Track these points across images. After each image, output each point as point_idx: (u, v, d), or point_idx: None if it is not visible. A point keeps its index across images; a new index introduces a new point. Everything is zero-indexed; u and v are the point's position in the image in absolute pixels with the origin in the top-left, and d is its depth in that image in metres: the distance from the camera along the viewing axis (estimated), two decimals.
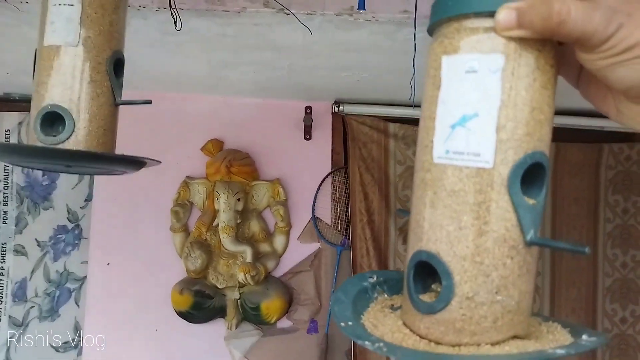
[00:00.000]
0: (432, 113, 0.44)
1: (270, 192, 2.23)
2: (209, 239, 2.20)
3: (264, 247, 2.22)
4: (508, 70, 0.41)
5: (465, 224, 0.42)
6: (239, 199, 2.14)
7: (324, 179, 2.26)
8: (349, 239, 2.24)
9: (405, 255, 0.49)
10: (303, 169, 2.29)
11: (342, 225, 2.28)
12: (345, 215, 2.28)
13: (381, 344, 0.42)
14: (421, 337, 0.45)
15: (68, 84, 0.78)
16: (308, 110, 2.27)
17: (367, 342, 0.42)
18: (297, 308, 2.23)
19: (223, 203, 2.10)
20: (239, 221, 2.16)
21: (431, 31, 0.47)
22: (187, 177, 2.27)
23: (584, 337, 0.43)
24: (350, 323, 0.46)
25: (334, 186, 2.28)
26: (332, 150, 2.31)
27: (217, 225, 2.15)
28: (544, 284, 2.24)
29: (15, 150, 0.81)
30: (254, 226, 2.22)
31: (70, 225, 2.49)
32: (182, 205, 2.24)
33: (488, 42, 0.41)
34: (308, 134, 2.27)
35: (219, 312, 2.18)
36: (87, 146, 0.79)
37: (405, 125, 2.26)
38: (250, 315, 2.15)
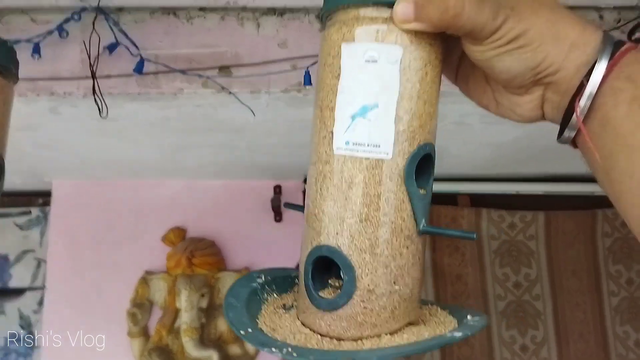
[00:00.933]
0: (330, 102, 0.43)
1: None
2: (170, 344, 1.94)
3: (234, 350, 1.96)
4: (405, 62, 0.41)
5: (365, 216, 0.43)
6: (202, 295, 1.91)
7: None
8: None
9: (305, 245, 0.45)
10: (275, 254, 2.09)
11: None
12: None
13: (289, 349, 0.41)
14: (322, 335, 0.44)
15: None
16: (277, 190, 2.11)
17: (274, 349, 0.41)
18: None
19: (185, 301, 1.87)
20: (203, 321, 1.91)
21: (325, 17, 0.46)
22: (146, 272, 2.06)
23: (468, 317, 0.44)
24: (249, 330, 0.44)
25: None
26: None
27: (179, 326, 1.90)
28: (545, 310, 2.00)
29: None
30: (222, 325, 1.97)
31: (21, 333, 2.22)
32: (140, 306, 1.99)
33: (387, 32, 0.41)
34: (278, 215, 2.10)
35: None
36: None
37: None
38: None
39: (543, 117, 0.44)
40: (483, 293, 2.04)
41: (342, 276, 0.43)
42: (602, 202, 2.07)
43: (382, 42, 0.41)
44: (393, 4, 0.40)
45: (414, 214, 0.44)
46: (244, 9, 1.19)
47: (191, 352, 1.85)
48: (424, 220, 0.44)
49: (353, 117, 0.42)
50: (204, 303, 1.91)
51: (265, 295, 0.51)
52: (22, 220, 2.28)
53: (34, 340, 2.17)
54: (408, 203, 0.43)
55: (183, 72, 1.16)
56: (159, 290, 2.02)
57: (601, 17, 1.23)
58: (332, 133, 0.43)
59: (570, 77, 0.39)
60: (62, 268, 2.12)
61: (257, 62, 1.19)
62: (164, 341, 1.93)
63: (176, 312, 1.94)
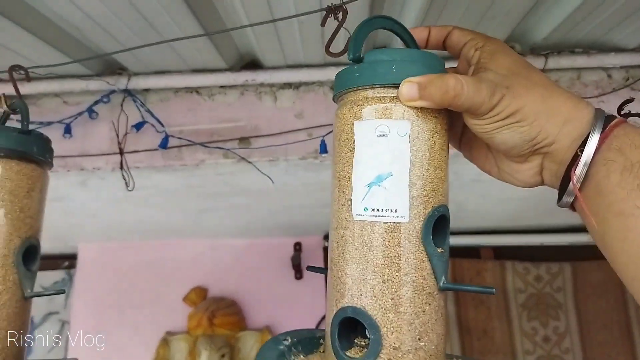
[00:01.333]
0: (347, 173, 0.48)
1: (259, 343, 1.99)
2: None
3: None
4: (414, 134, 0.46)
5: (387, 277, 0.45)
6: (223, 355, 1.90)
7: (320, 322, 2.04)
8: None
9: (330, 306, 0.48)
10: (296, 312, 2.08)
11: None
12: None
13: None
14: None
15: None
16: (297, 246, 2.13)
17: None
18: None
19: None
20: None
21: (337, 97, 0.51)
22: (167, 332, 2.06)
23: None
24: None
25: None
26: None
27: None
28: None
29: None
30: None
31: None
32: None
33: (395, 109, 0.46)
34: (298, 272, 2.10)
35: None
36: None
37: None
38: None
39: (543, 183, 0.47)
40: (511, 348, 1.98)
41: (368, 335, 0.45)
42: None
43: (391, 117, 0.46)
44: (398, 85, 0.45)
45: (433, 272, 0.46)
46: (262, 84, 1.25)
47: None
48: (443, 277, 0.46)
49: (369, 186, 0.46)
50: None
51: (293, 357, 0.51)
52: (48, 283, 2.33)
53: None
54: (427, 262, 0.46)
55: (204, 145, 1.22)
56: (179, 351, 2.01)
57: (609, 76, 1.26)
58: (350, 201, 0.47)
59: (566, 149, 0.42)
60: (85, 329, 2.13)
61: (275, 133, 1.24)
62: None
63: None
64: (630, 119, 0.44)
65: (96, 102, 1.23)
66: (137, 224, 1.91)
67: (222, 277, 2.13)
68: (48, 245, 2.22)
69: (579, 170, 0.41)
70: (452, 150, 0.52)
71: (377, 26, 0.51)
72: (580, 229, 2.02)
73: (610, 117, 0.41)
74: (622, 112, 0.46)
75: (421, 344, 0.45)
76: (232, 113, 1.26)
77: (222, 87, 1.27)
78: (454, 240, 2.07)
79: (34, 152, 0.75)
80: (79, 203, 1.57)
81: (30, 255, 0.73)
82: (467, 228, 2.05)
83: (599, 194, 0.40)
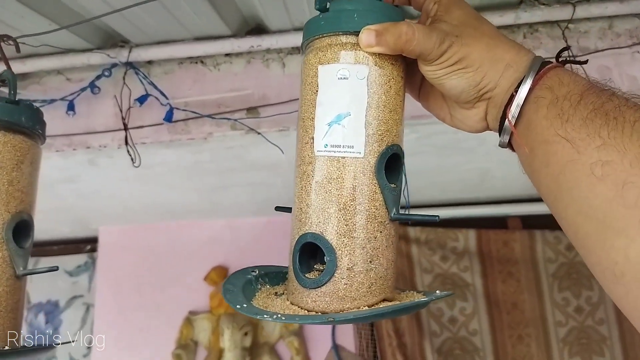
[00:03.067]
0: (310, 114, 0.51)
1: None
2: None
3: None
4: (371, 78, 0.51)
5: (343, 206, 0.50)
6: (246, 333, 1.88)
7: None
8: None
9: (293, 236, 0.52)
10: None
11: (368, 352, 1.96)
12: (372, 339, 1.97)
13: (279, 315, 0.49)
14: (309, 310, 0.49)
15: None
16: None
17: (265, 316, 0.48)
18: None
19: (227, 340, 1.84)
20: (247, 359, 1.88)
21: (304, 45, 0.54)
22: (190, 312, 2.05)
23: (437, 292, 0.53)
24: (244, 305, 0.51)
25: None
26: None
27: None
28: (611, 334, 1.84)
29: None
30: None
31: None
32: (185, 347, 1.98)
33: (355, 55, 0.51)
34: None
35: None
36: None
37: (427, 228, 2.02)
38: None
39: (488, 128, 0.52)
40: (542, 320, 1.90)
41: (325, 258, 0.50)
42: None
43: (351, 62, 0.51)
44: (358, 32, 0.49)
45: (385, 203, 0.51)
46: (269, 50, 1.18)
47: None
48: (394, 209, 0.51)
49: (330, 124, 0.51)
50: (247, 342, 1.88)
51: (259, 286, 0.57)
52: (71, 267, 2.35)
53: None
54: (380, 194, 0.51)
55: (211, 116, 1.16)
56: (203, 330, 2.01)
57: None
58: (313, 139, 0.51)
59: (505, 92, 0.47)
60: (109, 312, 2.15)
61: (285, 101, 1.17)
62: None
63: (220, 352, 1.91)
64: (568, 65, 0.48)
65: (98, 77, 1.18)
66: (154, 205, 1.89)
67: (241, 255, 2.10)
68: (68, 229, 2.23)
69: (513, 108, 0.45)
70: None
71: None
72: None
73: (546, 62, 0.45)
74: (560, 59, 0.48)
75: (372, 266, 0.50)
76: (238, 82, 1.21)
77: (227, 55, 1.21)
78: (479, 210, 1.99)
79: (22, 122, 0.70)
80: (92, 184, 1.55)
81: (22, 231, 0.69)
82: (492, 197, 1.96)
83: (528, 127, 0.44)
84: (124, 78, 1.18)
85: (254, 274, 0.58)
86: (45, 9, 1.00)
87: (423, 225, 2.02)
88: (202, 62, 1.23)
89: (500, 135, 0.49)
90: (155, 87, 1.17)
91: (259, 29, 1.17)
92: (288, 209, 0.57)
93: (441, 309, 1.95)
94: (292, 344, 1.92)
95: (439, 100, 0.55)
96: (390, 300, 0.51)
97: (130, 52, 1.16)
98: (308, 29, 0.54)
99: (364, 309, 0.49)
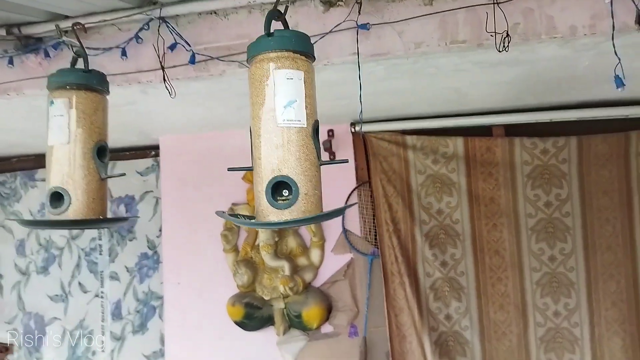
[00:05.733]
0: (270, 100, 0.91)
1: None
2: (253, 256, 2.51)
3: (302, 261, 2.47)
4: (307, 78, 0.93)
5: (297, 157, 0.90)
6: None
7: (350, 194, 2.45)
8: (378, 247, 2.40)
9: (259, 180, 0.92)
10: (330, 186, 2.48)
11: (371, 236, 2.45)
12: (373, 226, 2.44)
13: (245, 219, 1.02)
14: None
15: (64, 171, 1.09)
16: (330, 133, 2.48)
17: (238, 217, 1.01)
18: (336, 314, 2.43)
19: None
20: (276, 239, 2.43)
21: (254, 57, 0.96)
22: (233, 203, 2.60)
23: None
24: (224, 212, 1.02)
25: (360, 199, 2.46)
26: (357, 167, 2.49)
27: (259, 244, 2.44)
28: (578, 279, 2.21)
29: (32, 223, 1.14)
30: (291, 242, 2.48)
31: (149, 252, 2.95)
32: (230, 229, 2.57)
33: (296, 64, 0.93)
34: (332, 154, 2.48)
35: (269, 321, 2.46)
36: (80, 214, 1.09)
37: (422, 137, 2.37)
38: (295, 322, 2.40)
39: None
40: (515, 212, 2.27)
41: (291, 190, 0.90)
42: (637, 125, 2.13)
43: (294, 69, 0.92)
44: (297, 50, 0.93)
45: (317, 154, 0.93)
46: (264, 3, 1.52)
47: (269, 263, 2.40)
48: (321, 158, 0.96)
49: (285, 107, 0.90)
50: None
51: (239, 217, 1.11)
52: (142, 168, 2.94)
53: (158, 256, 2.89)
54: (314, 149, 0.92)
55: (219, 59, 1.55)
56: None
57: None
58: (274, 116, 0.91)
59: None
60: (173, 203, 2.75)
61: None
62: (248, 255, 2.51)
63: (256, 233, 2.48)
64: None
65: (140, 29, 1.59)
66: (197, 120, 2.35)
67: None
68: (135, 138, 2.78)
69: None
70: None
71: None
72: (586, 105, 2.13)
73: None
74: None
75: (316, 191, 0.93)
76: (243, 30, 1.56)
77: (234, 7, 1.56)
78: (465, 120, 2.30)
79: (94, 84, 1.15)
80: (147, 106, 2.02)
81: (101, 152, 1.17)
82: (477, 109, 2.25)
83: None
84: (158, 30, 1.57)
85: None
86: None
87: (419, 133, 2.37)
88: (215, 13, 1.59)
89: None
90: (181, 37, 1.56)
91: None
92: (241, 169, 1.02)
93: (431, 202, 2.36)
94: (311, 228, 2.44)
95: None
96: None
97: (160, 9, 1.54)
98: (259, 45, 0.95)
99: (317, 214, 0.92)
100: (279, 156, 0.90)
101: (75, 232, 3.05)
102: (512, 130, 2.30)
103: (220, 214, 1.03)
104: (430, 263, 2.35)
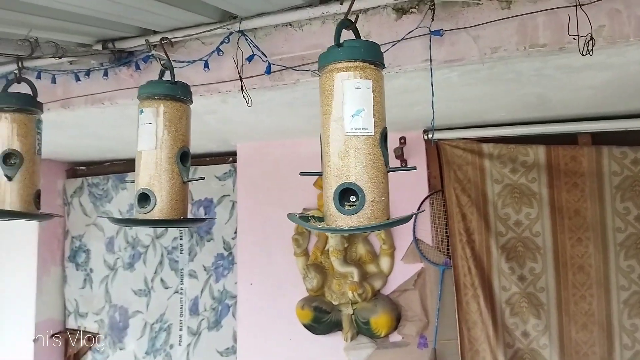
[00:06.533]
0: (339, 109, 0.94)
1: None
2: (323, 261, 2.54)
3: (371, 268, 2.47)
4: (375, 87, 0.94)
5: (365, 165, 0.92)
6: None
7: (422, 203, 2.41)
8: (450, 258, 2.34)
9: (328, 187, 0.94)
10: (402, 195, 2.46)
11: (443, 246, 2.39)
12: (446, 235, 2.39)
13: (323, 225, 0.98)
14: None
15: (145, 175, 1.19)
16: (402, 140, 2.46)
17: (305, 222, 1.03)
18: (405, 324, 2.40)
19: None
20: (346, 245, 2.45)
21: (324, 67, 0.99)
22: (304, 209, 2.66)
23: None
24: (295, 215, 1.05)
25: (432, 208, 2.42)
26: (429, 175, 2.45)
27: (328, 249, 2.47)
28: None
29: (122, 221, 1.25)
30: (360, 249, 2.49)
31: (225, 253, 3.09)
32: (301, 234, 2.62)
33: (365, 73, 0.95)
34: (403, 161, 2.46)
35: (337, 326, 2.48)
36: (164, 214, 1.18)
37: (499, 145, 2.29)
38: (363, 329, 2.40)
39: None
40: (602, 226, 2.11)
41: (358, 196, 0.92)
42: None
43: (362, 78, 0.94)
44: (367, 60, 0.95)
45: (384, 161, 0.94)
46: (337, 14, 1.55)
47: (338, 268, 2.42)
48: (389, 165, 0.96)
49: (353, 116, 0.93)
50: None
51: (311, 220, 1.08)
52: (220, 173, 3.10)
53: (233, 257, 3.02)
54: (381, 156, 0.93)
55: (294, 68, 1.60)
56: None
57: None
58: (343, 125, 0.93)
59: None
60: (248, 207, 2.86)
61: None
62: (318, 259, 2.55)
63: (326, 238, 2.51)
64: None
65: (221, 43, 1.68)
66: (272, 128, 2.44)
67: None
68: (215, 145, 2.94)
69: None
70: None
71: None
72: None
73: None
74: None
75: (383, 199, 0.93)
76: (317, 40, 1.61)
77: (308, 19, 1.61)
78: (548, 128, 2.18)
79: (179, 94, 1.24)
80: (226, 115, 2.13)
81: (184, 157, 1.25)
82: (560, 116, 2.13)
83: None
84: (237, 43, 1.66)
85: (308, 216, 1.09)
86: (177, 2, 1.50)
87: (496, 141, 2.28)
88: (290, 25, 1.65)
89: None
90: (258, 49, 1.64)
91: None
92: (312, 173, 1.04)
93: (508, 213, 2.26)
94: (381, 235, 2.43)
95: None
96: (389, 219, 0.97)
97: (240, 23, 1.62)
98: (329, 55, 0.97)
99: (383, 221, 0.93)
100: (346, 163, 0.92)
101: (159, 231, 3.27)
102: (599, 139, 2.15)
103: (291, 216, 1.06)
104: (506, 276, 2.25)
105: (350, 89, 0.93)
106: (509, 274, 2.24)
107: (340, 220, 0.93)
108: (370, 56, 0.98)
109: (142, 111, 1.21)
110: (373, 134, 0.92)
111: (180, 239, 3.22)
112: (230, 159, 3.09)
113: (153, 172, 1.19)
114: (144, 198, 1.18)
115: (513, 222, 2.27)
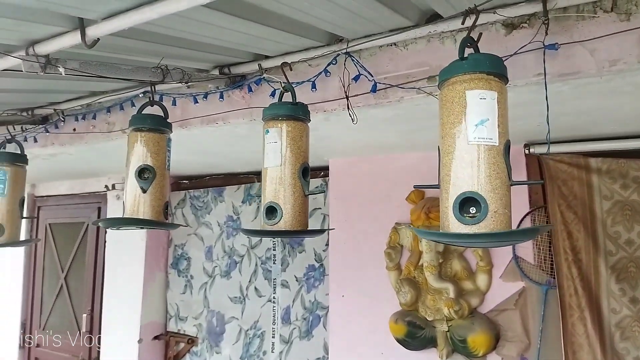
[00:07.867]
0: (462, 119, 0.97)
1: None
2: (416, 276, 2.54)
3: (467, 285, 2.42)
4: (499, 99, 0.97)
5: (489, 174, 0.93)
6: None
7: (522, 219, 2.34)
8: (554, 278, 2.24)
9: (446, 197, 0.96)
10: None
11: (546, 265, 2.30)
12: (549, 254, 2.29)
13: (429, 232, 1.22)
14: None
15: (271, 189, 1.29)
16: None
17: (421, 231, 1.12)
18: (505, 344, 2.33)
19: (425, 245, 2.41)
20: (440, 261, 2.43)
21: (446, 80, 1.04)
22: (396, 223, 2.68)
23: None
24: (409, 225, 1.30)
25: (534, 225, 2.34)
26: (530, 190, 2.38)
27: (422, 264, 2.47)
28: None
29: (251, 232, 1.36)
30: (456, 265, 2.45)
31: (316, 265, 3.18)
32: (394, 248, 2.64)
33: (489, 85, 0.98)
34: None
35: (431, 342, 2.46)
36: (290, 225, 1.27)
37: (608, 159, 2.17)
38: (459, 347, 2.36)
39: None
40: None
41: (480, 206, 0.93)
42: None
43: (487, 89, 0.96)
44: (492, 72, 0.97)
45: (508, 173, 0.94)
46: (443, 32, 1.58)
47: (432, 284, 2.40)
48: (512, 177, 0.97)
49: (477, 125, 0.95)
50: (440, 247, 2.42)
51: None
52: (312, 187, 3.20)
53: (324, 269, 3.09)
54: (505, 167, 0.94)
55: (399, 86, 1.65)
56: (406, 237, 2.62)
57: None
58: (466, 135, 0.96)
59: None
60: (339, 220, 2.94)
61: None
62: (411, 274, 2.55)
63: (420, 253, 2.51)
64: None
65: (328, 64, 1.78)
66: (367, 144, 2.50)
67: (434, 181, 2.59)
68: (309, 160, 3.04)
69: None
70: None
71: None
72: None
73: None
74: None
75: (506, 211, 0.94)
76: (421, 58, 1.65)
77: (413, 39, 1.65)
78: (620, 144, 2.09)
79: (300, 114, 1.34)
80: (324, 132, 2.22)
81: (305, 172, 1.35)
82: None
83: None
84: (344, 63, 1.74)
85: None
86: (284, 26, 1.61)
87: (605, 156, 2.17)
88: (395, 44, 1.70)
89: None
90: (364, 69, 1.71)
91: (435, 16, 1.57)
92: (427, 186, 1.08)
93: (618, 232, 2.14)
94: (477, 252, 2.39)
95: None
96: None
97: (347, 45, 1.71)
98: (453, 68, 1.01)
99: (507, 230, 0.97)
100: (469, 173, 0.94)
101: (254, 242, 3.44)
102: None
103: (401, 225, 1.10)
104: (617, 298, 2.11)
105: (475, 98, 0.96)
106: (620, 295, 2.10)
107: (461, 230, 0.94)
108: (495, 68, 1.00)
109: (267, 131, 1.32)
110: (497, 144, 0.94)
111: (274, 250, 3.36)
112: (322, 173, 3.19)
113: (278, 186, 1.29)
114: (271, 210, 1.28)
115: (624, 241, 2.14)
